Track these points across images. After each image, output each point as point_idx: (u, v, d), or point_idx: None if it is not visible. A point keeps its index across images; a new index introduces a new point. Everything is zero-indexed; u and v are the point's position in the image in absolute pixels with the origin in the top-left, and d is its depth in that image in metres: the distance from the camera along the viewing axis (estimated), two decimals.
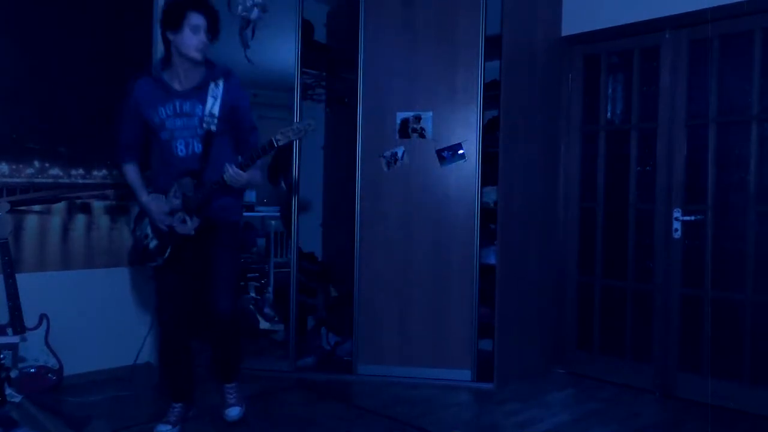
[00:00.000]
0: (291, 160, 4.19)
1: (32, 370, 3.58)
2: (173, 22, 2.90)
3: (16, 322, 3.51)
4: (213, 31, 2.97)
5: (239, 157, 2.94)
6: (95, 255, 4.09)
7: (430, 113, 4.13)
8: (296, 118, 4.18)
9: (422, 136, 4.15)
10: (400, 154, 4.18)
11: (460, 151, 4.11)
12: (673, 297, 3.99)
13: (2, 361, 3.29)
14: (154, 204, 3.07)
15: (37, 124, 3.83)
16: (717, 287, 3.84)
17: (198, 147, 3.01)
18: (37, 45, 3.81)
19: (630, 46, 4.20)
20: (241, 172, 2.88)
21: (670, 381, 4.00)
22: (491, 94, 4.15)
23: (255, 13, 4.10)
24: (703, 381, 3.86)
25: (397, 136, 4.17)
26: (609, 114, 4.40)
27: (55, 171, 3.92)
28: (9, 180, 3.74)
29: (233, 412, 3.32)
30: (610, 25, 4.20)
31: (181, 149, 3.02)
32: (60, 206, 3.95)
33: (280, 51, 4.24)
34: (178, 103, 2.99)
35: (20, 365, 3.49)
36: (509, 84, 4.08)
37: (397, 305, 4.19)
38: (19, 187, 3.78)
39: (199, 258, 3.13)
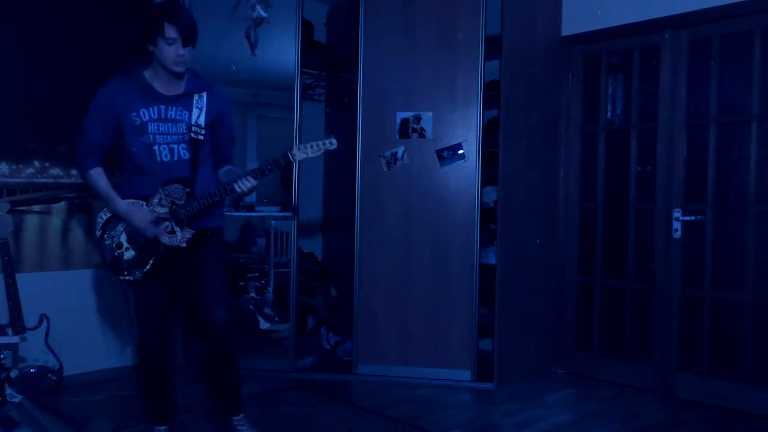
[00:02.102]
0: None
1: (32, 370, 3.58)
2: (148, 36, 2.76)
3: (16, 322, 3.51)
4: (190, 40, 2.78)
5: (253, 168, 2.78)
6: (95, 255, 4.08)
7: (430, 113, 4.13)
8: (296, 117, 4.19)
9: (422, 136, 4.15)
10: (400, 154, 4.18)
11: (460, 151, 4.11)
12: (673, 297, 3.99)
13: (2, 361, 3.30)
14: (138, 212, 2.81)
15: (37, 124, 3.84)
16: (717, 287, 3.84)
17: (185, 153, 2.86)
18: (37, 45, 3.81)
19: (630, 46, 4.20)
20: (255, 183, 2.78)
21: (670, 381, 4.00)
22: (491, 94, 4.15)
23: (260, 11, 4.09)
24: (703, 381, 3.86)
25: (397, 136, 4.17)
26: (609, 114, 4.40)
27: (56, 171, 3.92)
28: (9, 180, 3.74)
29: None
30: (610, 25, 4.20)
31: (165, 154, 2.83)
32: (60, 206, 3.95)
33: (280, 51, 4.24)
34: (162, 108, 2.83)
35: (20, 365, 3.50)
36: (509, 84, 4.09)
37: (397, 305, 4.19)
38: (19, 187, 3.78)
39: (185, 270, 2.93)
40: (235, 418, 3.11)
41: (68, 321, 3.85)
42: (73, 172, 3.97)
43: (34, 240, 3.84)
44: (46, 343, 3.66)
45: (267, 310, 4.71)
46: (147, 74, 2.86)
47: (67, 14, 3.93)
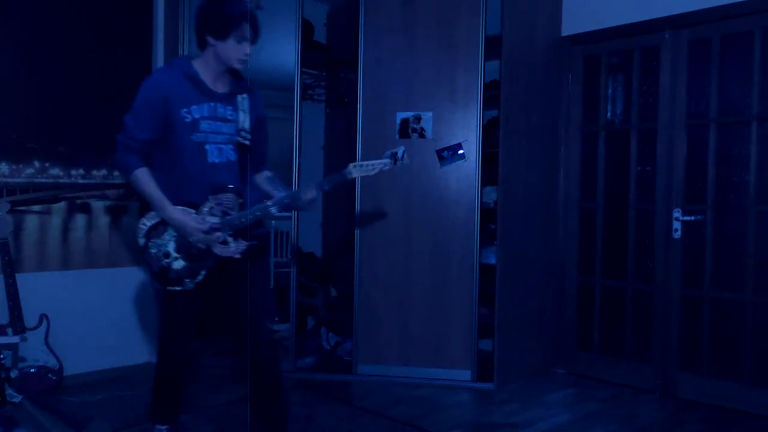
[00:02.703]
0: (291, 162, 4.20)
1: (32, 370, 3.58)
2: (219, 29, 2.62)
3: (16, 322, 3.51)
4: (255, 41, 2.71)
5: (322, 182, 2.70)
6: (95, 255, 4.09)
7: (430, 113, 4.13)
8: (296, 117, 4.19)
9: (422, 136, 4.15)
10: (400, 154, 4.17)
11: (460, 151, 4.11)
12: (673, 297, 3.99)
13: (2, 361, 3.30)
14: (190, 220, 2.62)
15: (37, 124, 3.83)
16: (717, 287, 3.84)
17: (232, 155, 2.72)
18: (37, 45, 3.81)
19: (630, 46, 4.20)
20: (313, 197, 2.69)
21: (670, 381, 4.00)
22: (491, 94, 4.15)
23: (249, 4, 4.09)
24: (703, 381, 3.86)
25: (397, 136, 4.17)
26: (609, 114, 4.40)
27: (55, 171, 3.92)
28: (9, 180, 3.74)
29: None
30: (610, 25, 4.20)
31: (214, 154, 2.69)
32: (60, 206, 3.95)
33: (280, 51, 4.24)
34: (214, 105, 2.69)
35: (20, 365, 3.49)
36: (509, 84, 4.09)
37: (397, 305, 4.19)
38: (19, 187, 3.78)
39: (233, 282, 2.77)
40: None
41: (68, 321, 3.85)
42: (73, 171, 3.97)
43: (34, 240, 3.84)
44: (46, 343, 3.66)
45: None
46: (196, 66, 2.71)
47: (68, 14, 3.92)
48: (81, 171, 4.02)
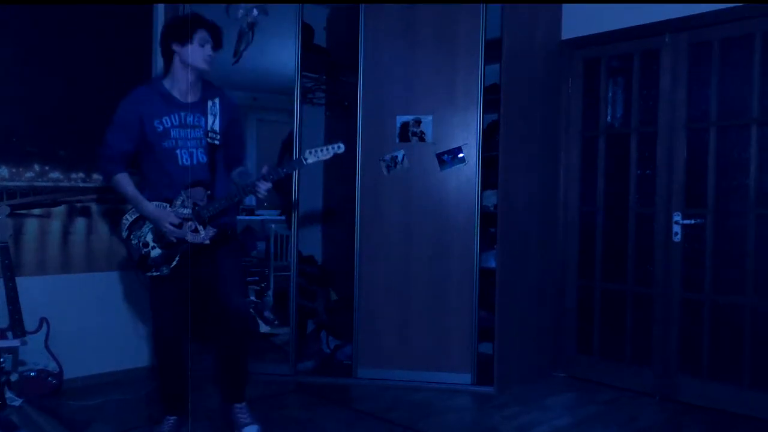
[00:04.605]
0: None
1: (32, 374, 3.58)
2: (182, 35, 3.01)
3: (16, 326, 3.51)
4: (218, 44, 3.10)
5: (264, 170, 2.99)
6: (95, 258, 4.09)
7: (430, 117, 4.14)
8: (296, 121, 4.19)
9: (422, 139, 4.15)
10: (400, 158, 4.18)
11: (460, 155, 4.11)
12: (673, 300, 3.99)
13: (2, 365, 3.30)
14: (163, 214, 3.01)
15: (37, 128, 3.84)
16: (717, 290, 3.84)
17: (203, 157, 3.08)
18: (37, 50, 3.81)
19: (630, 50, 4.21)
20: (270, 185, 3.02)
21: (670, 384, 4.00)
22: (491, 98, 4.15)
23: (254, 13, 4.12)
24: (703, 384, 3.86)
25: (397, 140, 4.17)
26: (609, 118, 4.40)
27: (56, 174, 3.92)
28: (9, 183, 3.74)
29: (252, 430, 3.22)
30: (610, 29, 4.21)
31: (185, 158, 3.06)
32: (60, 210, 3.95)
33: (280, 55, 4.25)
34: (182, 114, 3.06)
35: (20, 369, 3.49)
36: (509, 88, 4.09)
37: (397, 309, 4.18)
38: (19, 190, 3.78)
39: (206, 265, 3.13)
40: (237, 405, 3.27)
41: (68, 324, 3.85)
42: (73, 175, 3.98)
43: (34, 243, 3.84)
44: (46, 347, 3.66)
45: (267, 314, 4.70)
46: (166, 83, 3.10)
47: (69, 20, 3.93)
48: (81, 174, 4.02)
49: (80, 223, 4.03)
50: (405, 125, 4.16)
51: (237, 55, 4.27)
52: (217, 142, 3.10)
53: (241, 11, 4.16)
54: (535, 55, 4.31)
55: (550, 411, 3.76)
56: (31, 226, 3.83)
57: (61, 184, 3.94)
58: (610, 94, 4.39)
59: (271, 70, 4.35)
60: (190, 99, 3.10)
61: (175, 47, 3.03)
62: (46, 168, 3.88)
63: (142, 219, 3.08)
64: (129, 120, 3.04)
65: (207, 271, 3.13)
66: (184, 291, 3.13)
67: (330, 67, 5.01)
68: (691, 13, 3.83)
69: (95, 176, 4.06)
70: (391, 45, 4.19)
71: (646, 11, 4.02)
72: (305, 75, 4.54)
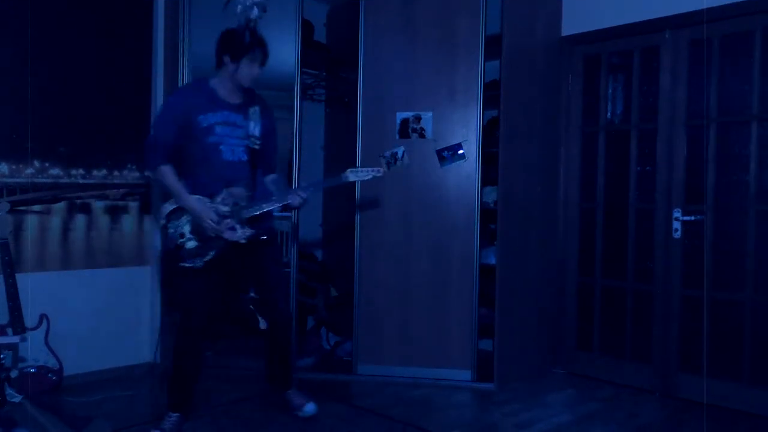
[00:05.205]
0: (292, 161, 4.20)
1: (32, 370, 3.58)
2: (235, 52, 3.14)
3: (16, 322, 3.51)
4: (264, 62, 3.23)
5: (315, 184, 3.24)
6: (95, 255, 4.09)
7: (430, 113, 4.13)
8: (296, 117, 4.19)
9: (422, 136, 4.15)
10: (400, 154, 4.18)
11: (460, 151, 4.11)
12: (673, 297, 3.99)
13: (2, 361, 3.30)
14: (204, 207, 3.11)
15: (38, 125, 3.83)
16: (717, 287, 3.84)
17: (243, 155, 3.21)
18: (38, 46, 3.81)
19: (630, 47, 4.20)
20: (305, 197, 3.19)
21: (670, 381, 4.00)
22: (491, 94, 4.15)
23: (255, 12, 4.10)
24: (703, 381, 3.86)
25: (397, 136, 4.17)
26: (609, 114, 4.40)
27: (56, 171, 3.92)
28: (9, 180, 3.74)
29: (310, 407, 3.47)
30: (610, 25, 4.20)
31: (227, 153, 3.18)
32: (60, 206, 3.95)
33: (280, 51, 4.23)
34: (226, 114, 3.20)
35: (20, 365, 3.49)
36: (509, 84, 4.08)
37: (397, 305, 4.19)
38: (19, 187, 3.78)
39: (246, 265, 3.31)
40: (288, 391, 3.55)
41: (68, 321, 3.85)
42: (73, 171, 3.98)
43: (34, 240, 3.83)
44: (46, 343, 3.66)
45: None
46: (213, 84, 3.23)
47: (70, 17, 3.92)
48: (81, 171, 4.02)
49: (80, 219, 4.03)
50: (405, 121, 4.16)
51: None
52: (257, 147, 3.23)
53: (239, 7, 4.14)
54: (535, 52, 4.31)
55: (550, 408, 3.77)
56: (31, 222, 3.83)
57: (61, 180, 3.94)
58: (610, 91, 4.38)
59: (271, 67, 4.32)
60: (234, 101, 3.23)
61: (226, 59, 3.16)
62: (46, 164, 3.88)
63: (180, 210, 3.16)
64: (175, 114, 3.15)
65: (252, 273, 3.38)
66: (215, 286, 3.24)
67: (330, 63, 5.00)
68: (691, 10, 3.83)
69: (95, 172, 4.06)
70: (391, 41, 4.19)
71: (646, 8, 4.02)
72: (305, 71, 4.54)
